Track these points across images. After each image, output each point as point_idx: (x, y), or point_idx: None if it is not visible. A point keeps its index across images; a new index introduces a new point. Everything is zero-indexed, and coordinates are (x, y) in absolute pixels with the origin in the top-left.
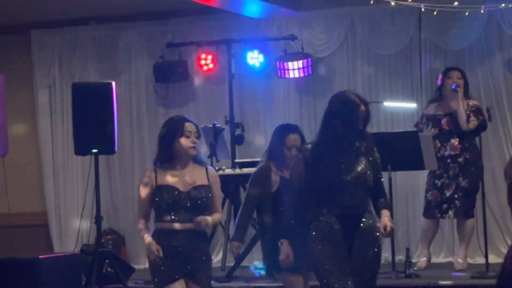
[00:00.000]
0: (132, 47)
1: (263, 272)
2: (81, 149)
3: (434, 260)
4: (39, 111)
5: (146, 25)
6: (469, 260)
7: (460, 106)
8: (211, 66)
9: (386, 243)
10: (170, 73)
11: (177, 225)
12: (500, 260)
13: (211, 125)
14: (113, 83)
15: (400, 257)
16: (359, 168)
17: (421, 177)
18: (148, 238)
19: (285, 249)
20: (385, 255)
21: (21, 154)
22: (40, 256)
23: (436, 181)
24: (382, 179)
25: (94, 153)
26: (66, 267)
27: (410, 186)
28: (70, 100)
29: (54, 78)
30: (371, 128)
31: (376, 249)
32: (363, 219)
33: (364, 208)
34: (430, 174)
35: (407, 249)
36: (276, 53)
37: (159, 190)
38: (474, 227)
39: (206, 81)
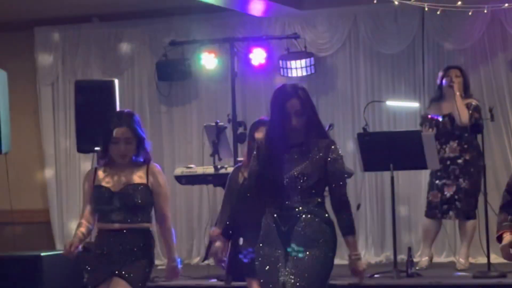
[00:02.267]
0: (135, 45)
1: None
2: (83, 146)
3: (436, 259)
4: (41, 108)
5: (149, 23)
6: (471, 260)
7: (457, 100)
8: (214, 64)
9: (388, 242)
10: (173, 71)
11: (108, 226)
12: (501, 260)
13: (214, 124)
14: (116, 81)
15: (402, 256)
16: (297, 169)
17: (423, 176)
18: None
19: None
20: (387, 253)
21: (24, 151)
22: (42, 253)
23: (437, 181)
24: (339, 189)
25: (97, 151)
26: (68, 265)
27: (412, 185)
28: (73, 98)
29: (57, 75)
30: (374, 127)
31: (316, 253)
32: (300, 222)
33: (301, 210)
34: (431, 174)
35: (409, 249)
36: (279, 51)
37: (95, 190)
38: (475, 228)
39: (209, 80)
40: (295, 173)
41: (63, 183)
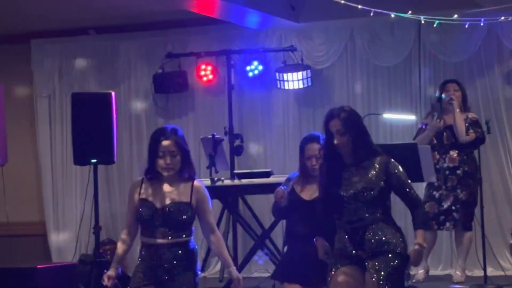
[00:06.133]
0: (131, 57)
1: None
2: (80, 159)
3: (433, 272)
4: (38, 120)
5: (146, 35)
6: (468, 273)
7: (457, 118)
8: (210, 76)
9: None
10: (170, 84)
11: (151, 241)
12: (498, 272)
13: (210, 136)
14: (113, 93)
15: None
16: (357, 185)
17: (420, 188)
18: (115, 258)
19: (320, 245)
20: None
21: (20, 163)
22: (38, 266)
23: (434, 192)
24: (409, 195)
25: (93, 163)
26: (64, 277)
27: None
28: (70, 110)
29: (54, 88)
30: None
31: (390, 262)
32: (368, 233)
33: (368, 223)
34: (428, 185)
35: None
36: (276, 64)
37: (139, 204)
38: (472, 240)
39: (205, 92)
40: (357, 189)
41: (59, 196)
